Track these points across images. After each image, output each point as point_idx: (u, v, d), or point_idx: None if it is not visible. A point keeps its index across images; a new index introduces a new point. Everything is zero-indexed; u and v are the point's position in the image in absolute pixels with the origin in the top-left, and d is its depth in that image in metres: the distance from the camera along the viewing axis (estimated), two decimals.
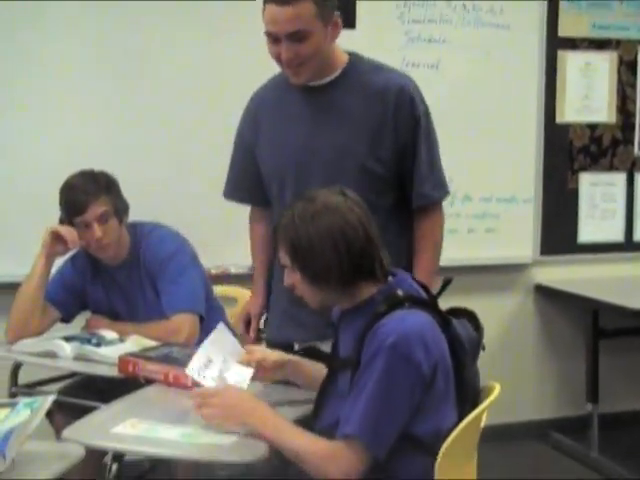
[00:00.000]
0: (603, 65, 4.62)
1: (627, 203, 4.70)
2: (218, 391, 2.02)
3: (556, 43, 4.47)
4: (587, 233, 4.67)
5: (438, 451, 1.92)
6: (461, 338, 2.02)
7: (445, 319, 1.99)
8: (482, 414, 2.12)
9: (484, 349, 2.18)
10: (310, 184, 2.32)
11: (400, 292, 1.96)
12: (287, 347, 2.44)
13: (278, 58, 2.36)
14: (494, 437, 3.62)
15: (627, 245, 4.69)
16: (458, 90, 4.24)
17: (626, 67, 4.60)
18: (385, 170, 2.46)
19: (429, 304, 1.99)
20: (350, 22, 4.02)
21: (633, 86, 4.63)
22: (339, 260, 1.92)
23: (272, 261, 2.67)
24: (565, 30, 4.49)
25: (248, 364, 2.18)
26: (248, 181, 2.68)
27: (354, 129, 2.45)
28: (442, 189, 2.59)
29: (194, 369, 2.16)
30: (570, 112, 4.56)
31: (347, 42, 3.99)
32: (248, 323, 2.76)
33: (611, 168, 4.64)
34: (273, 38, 2.33)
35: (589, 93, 4.59)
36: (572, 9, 4.46)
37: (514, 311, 4.67)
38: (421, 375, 1.86)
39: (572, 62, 4.55)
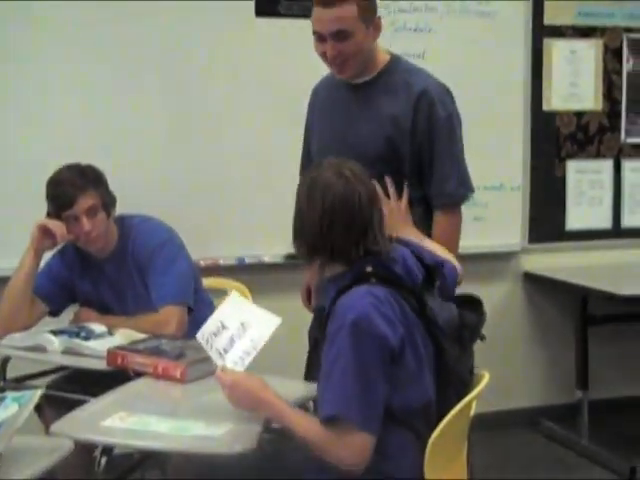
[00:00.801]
0: (589, 52, 4.63)
1: (614, 190, 4.72)
2: (227, 384, 2.02)
3: (542, 31, 4.50)
4: (575, 220, 4.70)
5: (415, 427, 1.96)
6: (437, 321, 2.03)
7: (421, 301, 2.02)
8: (472, 403, 2.14)
9: (483, 339, 2.22)
10: None
11: (369, 268, 1.99)
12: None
13: (324, 55, 2.65)
14: (484, 425, 3.64)
15: (614, 232, 4.71)
16: (444, 79, 4.12)
17: (612, 54, 4.63)
18: (400, 164, 2.69)
19: (398, 281, 2.01)
20: None
21: (619, 73, 4.66)
22: (320, 236, 2.00)
23: None
24: (551, 18, 4.51)
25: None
26: (309, 160, 2.96)
27: (377, 123, 2.70)
28: (463, 187, 2.81)
29: (204, 335, 2.21)
30: (557, 100, 4.58)
31: None
32: (309, 295, 3.02)
33: (598, 155, 4.67)
34: (319, 37, 2.61)
35: (575, 81, 4.61)
36: None
37: (503, 299, 4.69)
38: (389, 347, 1.90)
39: (558, 50, 4.57)
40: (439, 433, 1.94)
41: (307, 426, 1.94)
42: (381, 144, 2.68)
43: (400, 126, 2.67)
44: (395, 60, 2.78)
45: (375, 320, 1.88)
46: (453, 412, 2.02)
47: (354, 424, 1.87)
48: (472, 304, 2.19)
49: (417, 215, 2.68)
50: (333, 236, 1.98)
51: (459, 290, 2.28)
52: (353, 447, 1.88)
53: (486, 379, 2.19)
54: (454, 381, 2.07)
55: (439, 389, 2.03)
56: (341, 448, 1.89)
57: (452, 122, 2.76)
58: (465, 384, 2.12)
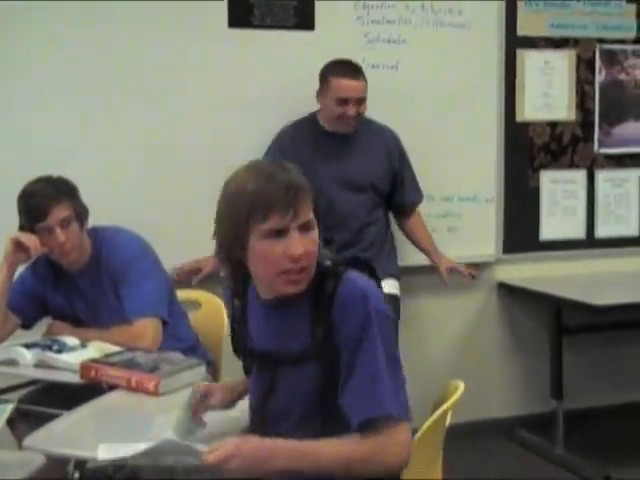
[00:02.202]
0: (562, 63, 4.67)
1: (588, 200, 4.73)
2: (229, 454, 1.69)
3: (515, 42, 4.52)
4: (549, 231, 4.71)
5: None
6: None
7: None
8: (447, 413, 2.14)
9: None
10: (335, 208, 3.63)
11: (328, 262, 1.90)
12: None
13: (342, 115, 3.64)
14: (460, 435, 3.63)
15: (588, 242, 4.73)
16: (418, 91, 4.29)
17: (584, 65, 4.66)
18: (384, 187, 3.85)
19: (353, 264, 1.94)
20: (309, 24, 4.08)
21: (592, 84, 4.68)
22: None
23: None
24: (524, 29, 4.54)
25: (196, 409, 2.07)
26: None
27: (368, 160, 3.79)
28: (420, 194, 4.05)
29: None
30: (530, 110, 4.60)
31: (306, 44, 4.05)
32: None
33: (571, 165, 4.69)
34: (343, 101, 3.61)
35: (548, 91, 4.64)
36: (530, 8, 4.52)
37: (478, 310, 4.69)
38: (395, 325, 1.90)
39: (531, 61, 4.60)
40: (414, 444, 1.92)
41: (337, 448, 1.76)
42: (372, 176, 3.78)
43: (383, 161, 3.82)
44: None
45: (382, 302, 1.84)
46: (428, 422, 2.02)
47: (393, 418, 1.76)
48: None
49: (374, 234, 3.83)
50: None
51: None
52: (399, 443, 1.77)
53: (461, 389, 2.19)
54: None
55: None
56: (388, 450, 1.76)
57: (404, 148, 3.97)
58: None
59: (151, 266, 2.99)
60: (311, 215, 1.83)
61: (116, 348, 2.65)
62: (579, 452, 4.13)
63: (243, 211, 1.80)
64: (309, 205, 1.83)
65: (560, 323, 4.31)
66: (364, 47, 4.16)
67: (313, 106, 3.81)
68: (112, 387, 2.38)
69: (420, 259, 4.13)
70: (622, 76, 4.79)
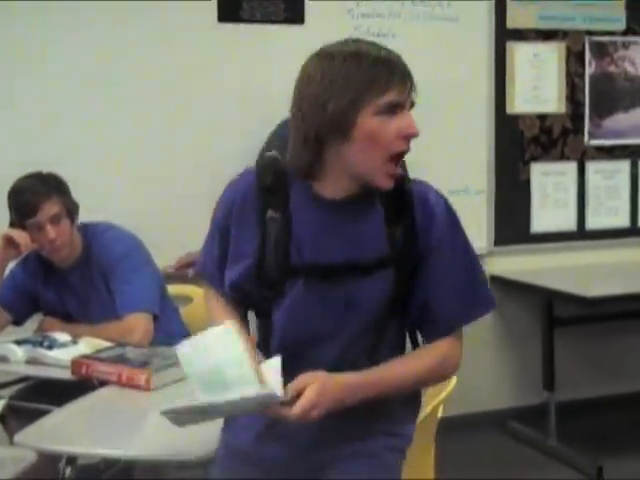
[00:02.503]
0: (551, 56, 4.68)
1: (578, 192, 4.75)
2: (313, 404, 1.59)
3: (504, 35, 4.52)
4: (540, 223, 4.73)
5: None
6: None
7: None
8: (439, 406, 2.16)
9: None
10: None
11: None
12: None
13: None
14: (453, 428, 3.62)
15: (579, 234, 4.75)
16: None
17: (574, 57, 4.67)
18: None
19: None
20: (299, 17, 4.08)
21: (581, 76, 4.70)
22: None
23: None
24: (513, 22, 4.54)
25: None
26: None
27: None
28: None
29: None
30: (520, 103, 4.61)
31: (297, 38, 4.04)
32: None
33: (562, 158, 4.70)
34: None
35: (538, 84, 4.65)
36: (519, 1, 4.52)
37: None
38: None
39: (521, 53, 4.60)
40: None
41: (411, 365, 1.75)
42: None
43: None
44: None
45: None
46: (421, 416, 2.02)
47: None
48: None
49: None
50: None
51: None
52: (460, 347, 1.82)
53: (453, 382, 2.20)
54: None
55: None
56: (459, 349, 1.82)
57: None
58: None
59: (142, 262, 2.99)
60: None
61: (107, 344, 2.65)
62: (571, 443, 4.14)
63: (363, 79, 1.61)
64: None
65: (552, 315, 4.33)
66: None
67: None
68: (103, 383, 2.38)
69: None
70: (612, 68, 4.81)
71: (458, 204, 4.41)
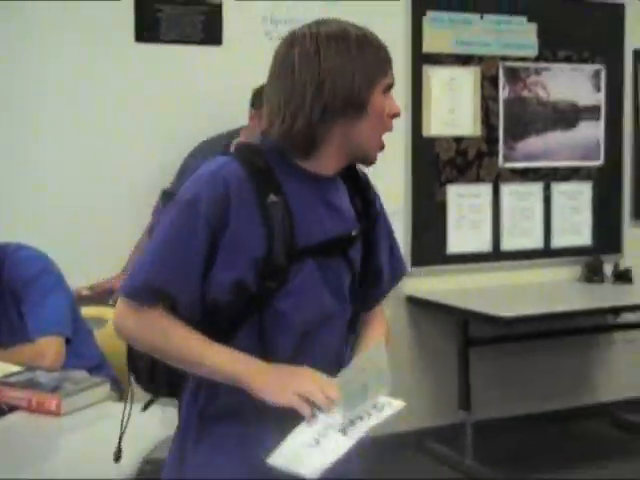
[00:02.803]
0: (467, 80, 4.78)
1: (493, 214, 4.82)
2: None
3: (421, 59, 4.61)
4: (456, 244, 4.79)
5: None
6: None
7: None
8: None
9: None
10: None
11: None
12: None
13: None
14: (370, 449, 3.67)
15: (494, 255, 4.82)
16: None
17: (489, 82, 4.77)
18: None
19: None
20: (216, 38, 4.10)
21: (495, 100, 4.79)
22: None
23: None
24: (429, 46, 4.64)
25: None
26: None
27: None
28: None
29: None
30: (436, 126, 4.69)
31: (213, 59, 4.05)
32: None
33: (477, 180, 4.79)
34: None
35: (454, 107, 4.74)
36: (435, 26, 4.63)
37: (387, 322, 4.63)
38: None
39: (437, 77, 4.69)
40: None
41: (380, 328, 1.96)
42: None
43: None
44: None
45: None
46: None
47: None
48: None
49: None
50: None
51: None
52: None
53: None
54: None
55: None
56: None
57: None
58: None
59: (54, 283, 2.94)
60: None
61: (17, 368, 2.59)
62: (488, 462, 4.20)
63: (375, 59, 1.74)
64: None
65: (467, 335, 4.39)
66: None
67: (222, 121, 3.81)
68: (13, 408, 2.33)
69: None
70: (525, 93, 4.94)
71: None
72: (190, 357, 1.65)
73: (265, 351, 1.68)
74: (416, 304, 4.67)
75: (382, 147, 1.80)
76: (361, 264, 1.83)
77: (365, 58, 1.70)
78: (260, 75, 3.84)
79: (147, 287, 1.65)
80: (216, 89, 3.91)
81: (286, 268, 1.68)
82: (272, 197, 1.68)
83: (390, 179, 4.47)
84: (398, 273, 1.97)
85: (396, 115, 1.78)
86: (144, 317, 1.67)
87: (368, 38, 1.72)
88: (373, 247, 1.85)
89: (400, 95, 4.39)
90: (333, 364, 1.72)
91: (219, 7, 4.05)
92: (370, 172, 4.69)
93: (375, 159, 1.80)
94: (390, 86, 1.77)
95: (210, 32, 4.07)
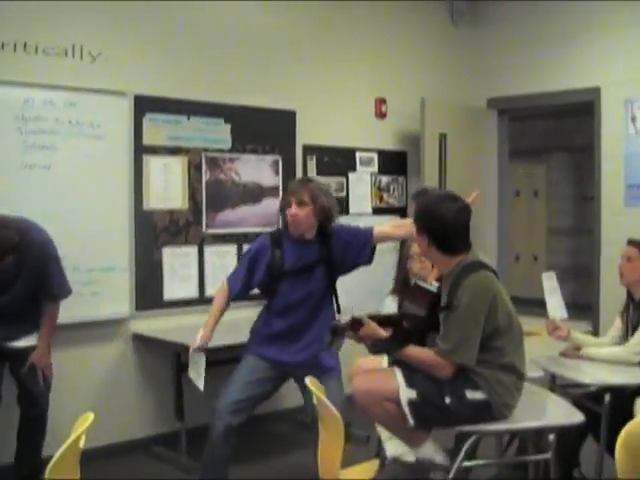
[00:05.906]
0: (177, 166, 5.25)
1: (199, 268, 5.37)
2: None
3: (142, 149, 5.06)
4: (170, 292, 5.25)
5: None
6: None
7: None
8: (79, 439, 2.36)
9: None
10: None
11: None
12: None
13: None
14: (105, 455, 4.44)
15: (200, 299, 5.33)
16: (66, 189, 4.75)
17: (194, 168, 5.34)
18: None
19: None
20: None
21: (200, 181, 5.38)
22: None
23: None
24: (148, 139, 5.11)
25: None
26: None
27: None
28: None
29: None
30: (154, 201, 5.15)
31: None
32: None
33: (186, 243, 5.27)
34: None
35: (168, 186, 5.22)
36: (153, 123, 5.13)
37: (117, 356, 5.05)
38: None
39: (154, 164, 5.14)
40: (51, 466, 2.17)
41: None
42: None
43: None
44: None
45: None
46: (60, 450, 2.24)
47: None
48: None
49: None
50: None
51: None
52: None
53: (90, 419, 2.45)
54: None
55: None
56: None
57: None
58: None
59: None
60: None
61: None
62: (200, 459, 4.14)
63: (285, 195, 4.24)
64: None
65: (179, 362, 4.76)
66: (23, 152, 4.58)
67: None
68: None
69: (69, 316, 4.40)
70: (222, 176, 5.48)
71: (107, 279, 5.09)
72: None
73: (272, 310, 3.99)
74: (140, 340, 5.05)
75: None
76: (331, 271, 4.03)
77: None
78: (13, 161, 4.43)
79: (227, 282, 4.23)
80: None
81: (280, 276, 3.89)
82: (276, 251, 3.90)
83: (119, 242, 4.96)
84: (368, 231, 4.05)
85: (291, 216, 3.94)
86: (220, 291, 4.21)
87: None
88: (334, 256, 4.00)
89: (125, 178, 4.98)
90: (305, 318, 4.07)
91: None
92: (102, 237, 4.94)
93: (291, 231, 3.94)
94: (290, 204, 3.87)
95: None
